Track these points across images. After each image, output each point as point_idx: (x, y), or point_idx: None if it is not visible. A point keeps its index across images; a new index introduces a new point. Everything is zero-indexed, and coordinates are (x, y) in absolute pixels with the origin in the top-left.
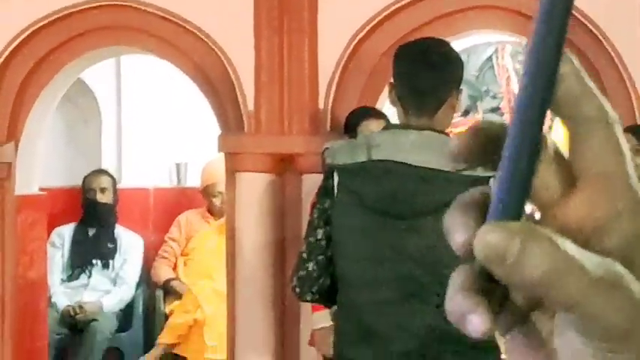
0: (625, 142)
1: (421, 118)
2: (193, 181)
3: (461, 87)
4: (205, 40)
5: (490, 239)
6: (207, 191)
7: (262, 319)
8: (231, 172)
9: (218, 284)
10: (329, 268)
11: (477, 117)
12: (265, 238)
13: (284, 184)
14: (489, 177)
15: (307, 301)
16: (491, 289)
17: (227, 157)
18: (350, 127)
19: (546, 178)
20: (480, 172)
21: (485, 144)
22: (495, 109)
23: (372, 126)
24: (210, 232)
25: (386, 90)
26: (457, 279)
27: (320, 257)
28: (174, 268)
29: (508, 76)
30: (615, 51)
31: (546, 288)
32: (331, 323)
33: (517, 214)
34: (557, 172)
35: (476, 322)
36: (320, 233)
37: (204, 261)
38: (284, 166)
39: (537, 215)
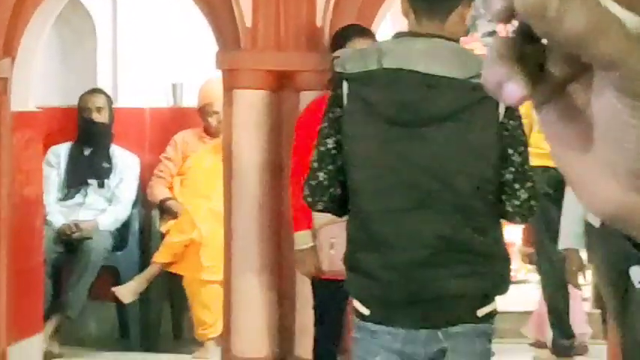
0: None
1: (432, 24)
2: (190, 100)
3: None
4: None
5: None
6: (204, 110)
7: (259, 238)
8: (229, 89)
9: (214, 204)
10: (339, 177)
11: (477, 35)
12: (262, 156)
13: (281, 101)
14: None
15: (319, 210)
16: (529, 57)
17: (224, 74)
18: (337, 45)
19: None
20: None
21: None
22: (492, 33)
23: (359, 45)
24: (207, 151)
25: (384, 6)
26: (495, 48)
27: (330, 166)
28: (170, 187)
29: None
30: None
31: (587, 43)
32: (312, 244)
33: None
34: None
35: (512, 89)
36: (330, 142)
37: (201, 180)
38: (281, 83)
39: None
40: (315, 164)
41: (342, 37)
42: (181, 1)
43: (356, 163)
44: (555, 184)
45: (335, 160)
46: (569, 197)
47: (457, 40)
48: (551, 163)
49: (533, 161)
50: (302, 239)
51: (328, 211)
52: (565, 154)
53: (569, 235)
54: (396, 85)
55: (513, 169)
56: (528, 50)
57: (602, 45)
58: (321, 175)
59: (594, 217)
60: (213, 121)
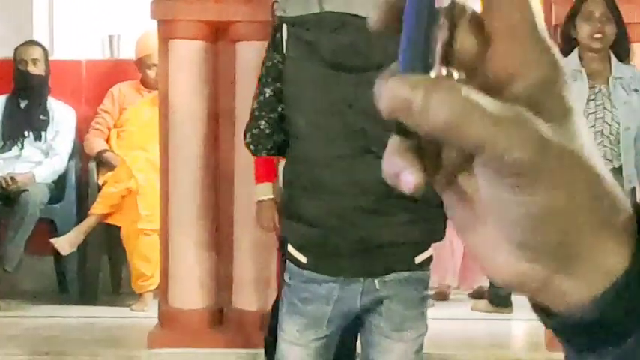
0: (537, 3)
1: None
2: (127, 53)
3: None
4: None
5: (395, 91)
6: (141, 62)
7: (196, 187)
8: (164, 40)
9: (151, 155)
10: (281, 124)
11: None
12: (198, 107)
13: (217, 52)
14: None
15: (262, 155)
16: (428, 145)
17: (159, 25)
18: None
19: (464, 39)
20: None
21: (399, 15)
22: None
23: None
24: (144, 103)
25: None
26: (392, 143)
27: (271, 115)
28: (108, 140)
29: None
30: None
31: (453, 131)
32: (272, 196)
33: (422, 68)
34: (474, 33)
35: (408, 179)
36: (269, 90)
37: (138, 132)
38: (218, 33)
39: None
40: (256, 112)
41: None
42: None
43: (299, 109)
44: None
45: (275, 107)
46: None
47: None
48: None
49: None
50: (261, 191)
51: (272, 155)
52: (464, 232)
53: None
54: (343, 29)
55: None
56: (423, 147)
57: (467, 130)
58: (263, 124)
59: None
60: (151, 73)
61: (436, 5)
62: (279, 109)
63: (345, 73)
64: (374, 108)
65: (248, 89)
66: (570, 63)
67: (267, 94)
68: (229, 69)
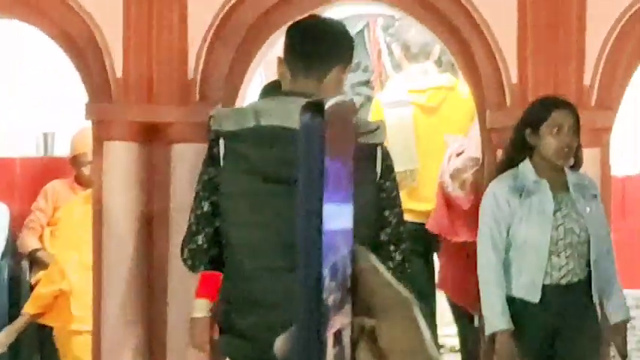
0: (423, 321)
1: (308, 83)
2: (62, 150)
3: (349, 64)
4: (73, 5)
5: None
6: (76, 160)
7: (129, 289)
8: (99, 141)
9: (84, 255)
10: (218, 238)
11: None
12: (132, 208)
13: (152, 154)
14: (378, 144)
15: (200, 271)
16: None
17: (94, 125)
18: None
19: (363, 357)
20: (368, 139)
21: None
22: (366, 83)
23: None
24: (78, 202)
25: (255, 60)
26: None
27: (208, 229)
28: (41, 238)
29: (379, 50)
30: (484, 21)
31: None
32: (207, 315)
33: None
34: (372, 351)
35: None
36: (207, 205)
37: (71, 231)
38: (152, 135)
39: None
40: (194, 227)
41: None
42: (52, 50)
43: (234, 222)
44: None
45: (212, 221)
46: (486, 278)
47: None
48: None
49: None
50: (198, 306)
51: (209, 271)
52: None
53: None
54: (275, 143)
55: (389, 231)
56: None
57: None
58: (200, 239)
59: (529, 292)
60: (86, 170)
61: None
62: (217, 223)
63: (279, 186)
64: None
65: (183, 191)
66: (527, 174)
67: (204, 208)
68: (164, 170)
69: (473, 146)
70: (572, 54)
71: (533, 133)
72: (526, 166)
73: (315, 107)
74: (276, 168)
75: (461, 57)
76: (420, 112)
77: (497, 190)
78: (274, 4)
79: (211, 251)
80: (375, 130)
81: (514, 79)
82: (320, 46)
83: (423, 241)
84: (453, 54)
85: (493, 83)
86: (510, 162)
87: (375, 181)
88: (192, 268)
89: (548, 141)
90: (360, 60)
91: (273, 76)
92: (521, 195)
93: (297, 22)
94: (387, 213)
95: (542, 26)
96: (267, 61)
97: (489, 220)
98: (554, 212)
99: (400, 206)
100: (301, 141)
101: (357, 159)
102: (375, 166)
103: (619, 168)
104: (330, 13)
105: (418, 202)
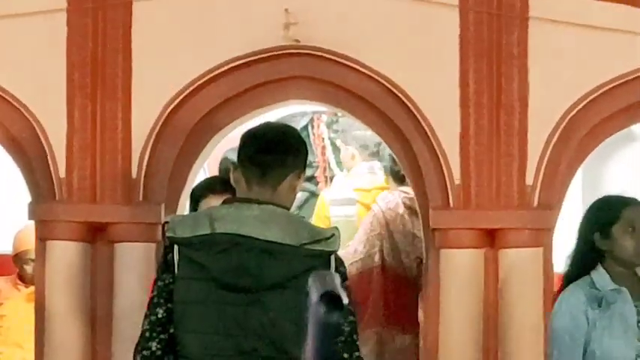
0: None
1: (263, 191)
2: (3, 247)
3: (303, 171)
4: (17, 105)
5: None
6: (19, 258)
7: None
8: (42, 240)
9: (27, 353)
10: (171, 345)
11: None
12: (75, 307)
13: (95, 253)
14: (330, 251)
15: None
16: None
17: (37, 225)
18: (193, 199)
19: None
20: (322, 246)
21: None
22: (311, 178)
23: (213, 202)
24: (21, 299)
25: (198, 161)
26: None
27: (162, 336)
28: None
29: (323, 146)
30: (427, 122)
31: None
32: None
33: None
34: None
35: None
36: (161, 311)
37: (14, 329)
38: (96, 234)
39: None
40: (147, 334)
41: (199, 191)
42: None
43: (190, 329)
44: None
45: (167, 328)
46: None
47: (287, 208)
48: None
49: None
50: None
51: None
52: None
53: None
54: (233, 250)
55: (343, 339)
56: None
57: None
58: (154, 345)
59: None
60: (29, 268)
61: None
62: (171, 329)
63: (236, 294)
64: (263, 329)
65: (126, 291)
66: (603, 282)
67: (159, 315)
68: (107, 269)
69: (356, 239)
70: (514, 155)
71: (604, 236)
72: (600, 274)
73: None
74: (232, 275)
75: (404, 157)
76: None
77: (573, 305)
78: (217, 105)
79: (165, 358)
80: (330, 237)
81: (457, 180)
82: (275, 155)
83: None
84: (395, 154)
85: (436, 183)
86: (580, 272)
87: None
88: None
89: (624, 243)
90: None
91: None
92: (599, 305)
93: (252, 128)
94: (340, 320)
95: (484, 127)
96: (210, 162)
97: (567, 341)
98: (638, 322)
99: (354, 314)
100: (317, 327)
101: (311, 265)
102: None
103: (562, 265)
104: (275, 109)
105: None
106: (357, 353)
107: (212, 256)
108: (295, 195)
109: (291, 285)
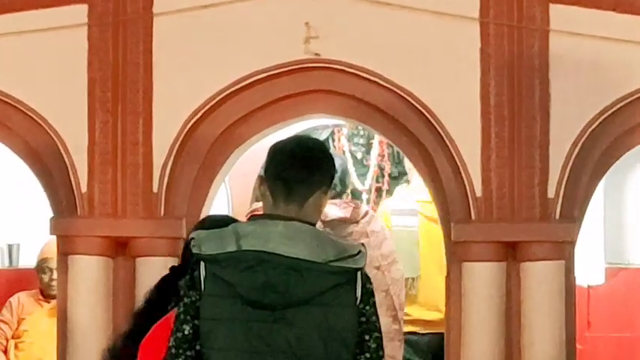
0: None
1: (289, 208)
2: (26, 261)
3: (330, 187)
4: (38, 120)
5: None
6: (39, 267)
7: None
8: (64, 255)
9: None
10: None
11: None
12: (97, 322)
13: (117, 268)
14: (358, 268)
15: None
16: None
17: (59, 240)
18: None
19: None
20: (348, 263)
21: None
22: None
23: None
24: (43, 314)
25: (219, 175)
26: None
27: (189, 352)
28: (5, 351)
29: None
30: (448, 135)
31: None
32: None
33: None
34: None
35: None
36: (187, 328)
37: (37, 344)
38: (117, 249)
39: None
40: (173, 350)
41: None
42: (18, 163)
43: (216, 347)
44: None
45: (193, 345)
46: None
47: (313, 224)
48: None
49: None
50: None
51: None
52: None
53: None
54: (259, 267)
55: (368, 356)
56: None
57: None
58: None
59: None
60: (45, 277)
61: None
62: (197, 347)
63: (262, 311)
64: (289, 346)
65: None
66: None
67: (185, 332)
68: (129, 284)
69: None
70: (535, 167)
71: None
72: None
73: None
74: (258, 293)
75: (425, 170)
76: (426, 222)
77: None
78: (238, 120)
79: None
80: (357, 254)
81: (479, 193)
82: (302, 173)
83: (422, 352)
84: (417, 167)
85: (458, 197)
86: None
87: (355, 305)
88: None
89: None
90: None
91: (238, 190)
92: None
93: (280, 142)
94: (366, 337)
95: (505, 140)
96: (232, 176)
97: None
98: None
99: (380, 331)
100: None
101: (338, 282)
102: (355, 291)
103: (584, 278)
104: (296, 122)
105: (419, 309)
106: (377, 332)
107: (238, 273)
108: (321, 212)
109: (318, 302)
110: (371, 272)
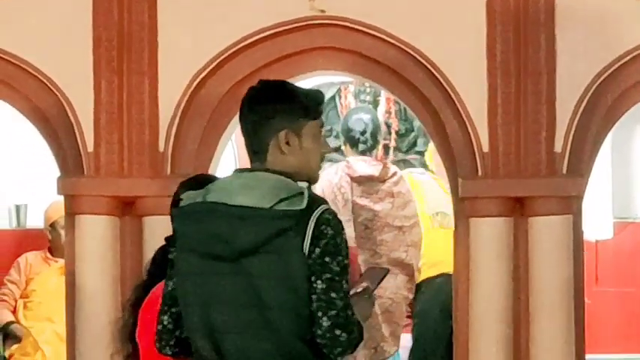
0: None
1: (255, 160)
2: (34, 221)
3: (286, 129)
4: (43, 80)
5: None
6: (52, 227)
7: None
8: (71, 215)
9: (58, 327)
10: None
11: None
12: (105, 280)
13: (124, 227)
14: (298, 210)
15: (169, 355)
16: None
17: (66, 199)
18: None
19: None
20: (287, 205)
21: None
22: (338, 149)
23: None
24: (51, 273)
25: (225, 133)
26: None
27: (174, 309)
28: (14, 310)
29: None
30: (454, 91)
31: None
32: None
33: None
34: None
35: None
36: (170, 284)
37: (45, 303)
38: (124, 208)
39: None
40: (161, 307)
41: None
42: (24, 124)
43: (184, 302)
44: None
45: (177, 301)
46: None
47: (284, 172)
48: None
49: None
50: None
51: (177, 355)
52: None
53: None
54: (206, 219)
55: (315, 297)
56: None
57: None
58: (166, 319)
59: None
60: (55, 236)
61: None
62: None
63: (220, 263)
64: (250, 297)
65: None
66: None
67: (169, 287)
68: (136, 243)
69: None
70: (542, 122)
71: None
72: None
73: None
74: (207, 244)
75: (432, 127)
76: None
77: None
78: (244, 78)
79: (178, 331)
80: (294, 196)
81: (485, 148)
82: (250, 119)
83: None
84: (424, 124)
85: (465, 152)
86: None
87: (301, 250)
88: (160, 349)
89: None
90: (332, 126)
91: (244, 148)
92: None
93: (246, 92)
94: (313, 279)
95: (512, 95)
96: (238, 134)
97: None
98: None
99: (334, 274)
100: None
101: (281, 227)
102: (304, 235)
103: (592, 233)
104: (302, 80)
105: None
106: (332, 312)
107: (192, 225)
108: (298, 152)
109: (267, 249)
110: (392, 232)
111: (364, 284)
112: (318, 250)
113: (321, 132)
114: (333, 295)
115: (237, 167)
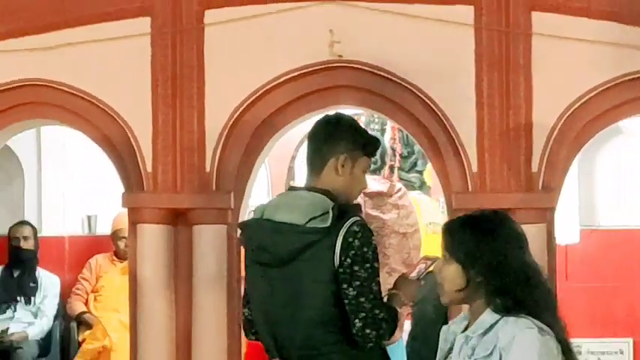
0: None
1: (312, 173)
2: (102, 229)
3: (345, 153)
4: (111, 113)
5: None
6: (115, 235)
7: (160, 345)
8: (133, 224)
9: (123, 316)
10: None
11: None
12: (161, 279)
13: (177, 234)
14: (324, 227)
15: (252, 339)
16: None
17: (129, 211)
18: None
19: None
20: (316, 223)
21: None
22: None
23: None
24: (116, 272)
25: (260, 156)
26: None
27: (245, 310)
28: (86, 303)
29: None
30: (448, 121)
31: None
32: None
33: None
34: None
35: None
36: (244, 289)
37: (112, 297)
38: (177, 218)
39: None
40: (243, 301)
41: None
42: (94, 149)
43: (251, 299)
44: None
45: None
46: None
47: (330, 192)
48: None
49: None
50: None
51: (258, 341)
52: None
53: None
54: (258, 232)
55: (347, 302)
56: None
57: None
58: (246, 311)
59: None
60: (121, 244)
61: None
62: None
63: (269, 269)
64: (289, 299)
65: (202, 265)
66: None
67: (243, 292)
68: (188, 247)
69: None
70: (521, 147)
71: None
72: None
73: None
74: (256, 253)
75: (430, 150)
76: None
77: None
78: (275, 110)
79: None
80: (322, 215)
81: (474, 169)
82: (313, 145)
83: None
84: (423, 148)
85: (457, 172)
86: None
87: (329, 259)
88: (246, 335)
89: None
90: None
91: (276, 170)
92: None
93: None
94: (344, 286)
95: (496, 125)
96: (270, 157)
97: None
98: None
99: (363, 280)
100: None
101: (311, 240)
102: (334, 247)
103: (562, 238)
104: (324, 112)
105: None
106: (362, 314)
107: (248, 237)
108: (355, 174)
109: (302, 258)
110: (397, 237)
111: (419, 267)
112: (348, 260)
113: (368, 170)
114: (362, 299)
115: (270, 184)
